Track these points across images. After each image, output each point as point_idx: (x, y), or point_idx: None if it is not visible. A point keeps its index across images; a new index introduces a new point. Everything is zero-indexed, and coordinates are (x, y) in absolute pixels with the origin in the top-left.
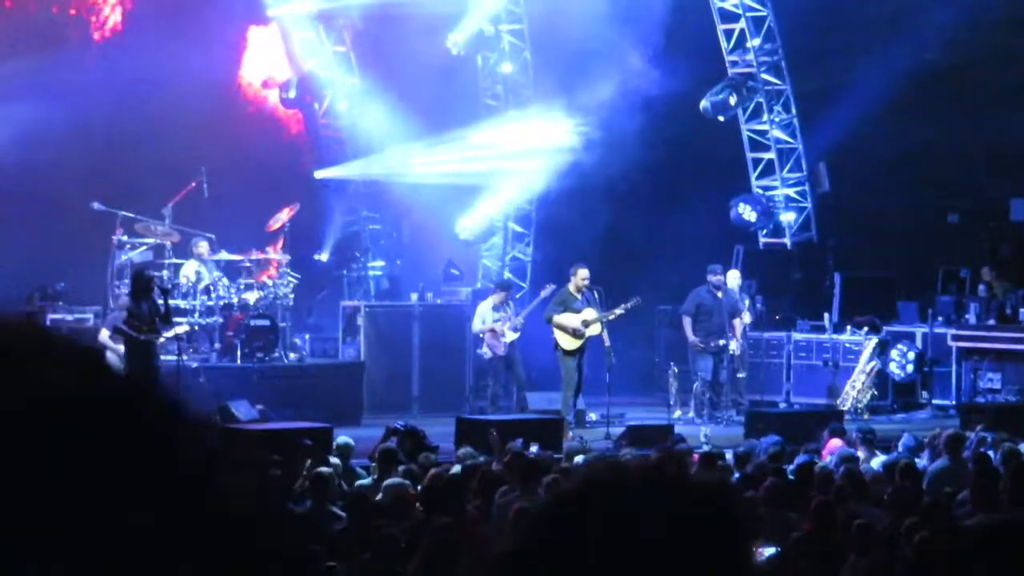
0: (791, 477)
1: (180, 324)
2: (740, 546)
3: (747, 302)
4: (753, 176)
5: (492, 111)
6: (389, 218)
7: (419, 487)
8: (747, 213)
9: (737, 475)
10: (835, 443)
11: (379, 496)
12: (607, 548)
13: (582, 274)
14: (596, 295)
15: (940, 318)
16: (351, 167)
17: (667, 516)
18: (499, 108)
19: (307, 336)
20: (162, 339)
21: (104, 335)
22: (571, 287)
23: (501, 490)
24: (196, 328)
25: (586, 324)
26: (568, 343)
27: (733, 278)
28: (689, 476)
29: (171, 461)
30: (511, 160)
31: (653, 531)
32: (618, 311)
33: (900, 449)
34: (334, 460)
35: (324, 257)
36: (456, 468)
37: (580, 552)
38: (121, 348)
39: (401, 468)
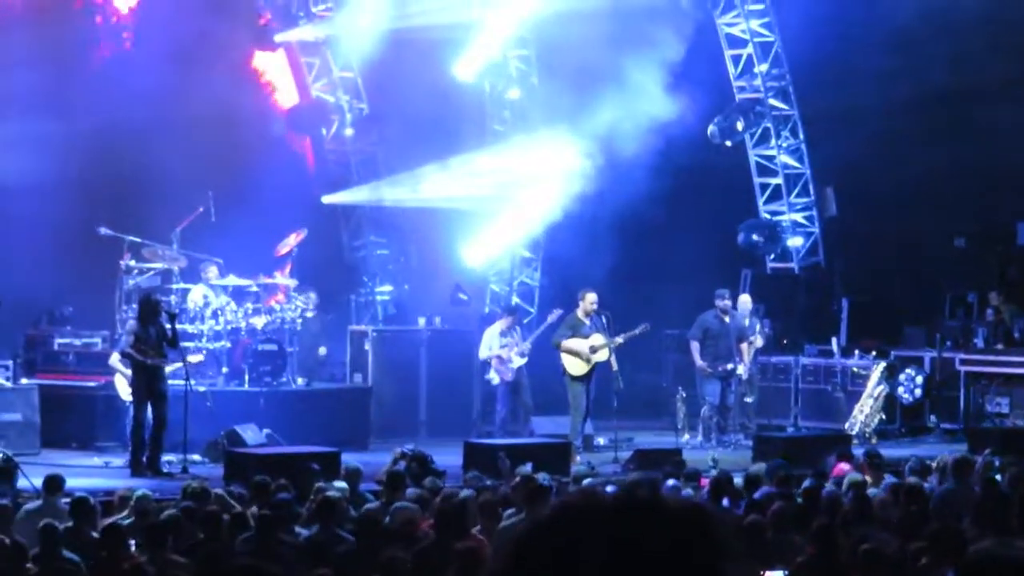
0: (799, 501)
1: (197, 353)
2: (718, 567)
3: (758, 327)
4: (760, 201)
5: (499, 136)
6: (396, 243)
7: (428, 511)
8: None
9: (744, 500)
10: (843, 467)
11: (387, 519)
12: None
13: (590, 299)
14: (604, 320)
15: (948, 342)
16: (358, 192)
17: (642, 540)
18: (506, 133)
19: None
20: (172, 367)
21: (115, 359)
22: (579, 312)
23: (506, 513)
24: (204, 353)
25: (594, 350)
26: (576, 368)
27: (745, 303)
28: (663, 500)
29: None
30: (518, 186)
31: (628, 554)
32: (626, 337)
33: (907, 473)
34: (341, 484)
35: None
36: (467, 492)
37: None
38: (130, 372)
39: (410, 492)
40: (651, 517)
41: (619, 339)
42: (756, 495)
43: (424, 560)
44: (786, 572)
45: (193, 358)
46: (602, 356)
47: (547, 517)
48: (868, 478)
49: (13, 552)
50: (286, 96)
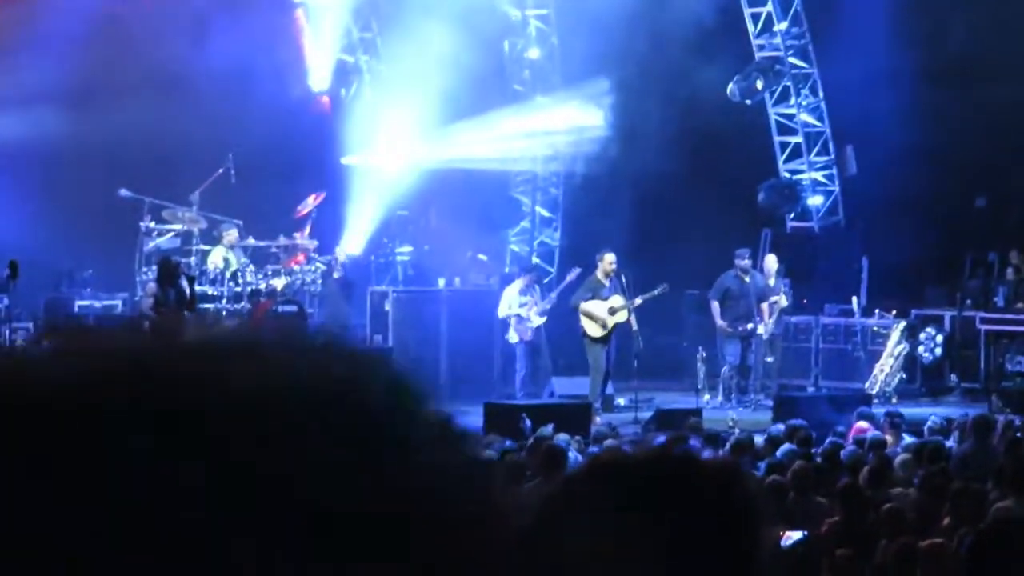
0: (819, 461)
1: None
2: (748, 527)
3: (783, 287)
4: (780, 160)
5: (519, 96)
6: (416, 204)
7: None
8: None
9: (765, 461)
10: (861, 426)
11: None
12: (613, 530)
13: (609, 259)
14: (623, 281)
15: (968, 302)
16: (378, 153)
17: (673, 497)
18: (526, 94)
19: None
20: None
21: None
22: (599, 273)
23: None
24: (224, 315)
25: (613, 311)
26: (595, 330)
27: (771, 263)
28: (695, 458)
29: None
30: (538, 146)
31: (659, 512)
32: (644, 298)
33: (927, 432)
34: None
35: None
36: (489, 453)
37: (587, 533)
38: None
39: None
40: (685, 473)
41: (637, 300)
42: (776, 455)
43: None
44: (806, 533)
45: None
46: (621, 318)
47: (577, 476)
48: (889, 438)
49: None
50: (313, 56)
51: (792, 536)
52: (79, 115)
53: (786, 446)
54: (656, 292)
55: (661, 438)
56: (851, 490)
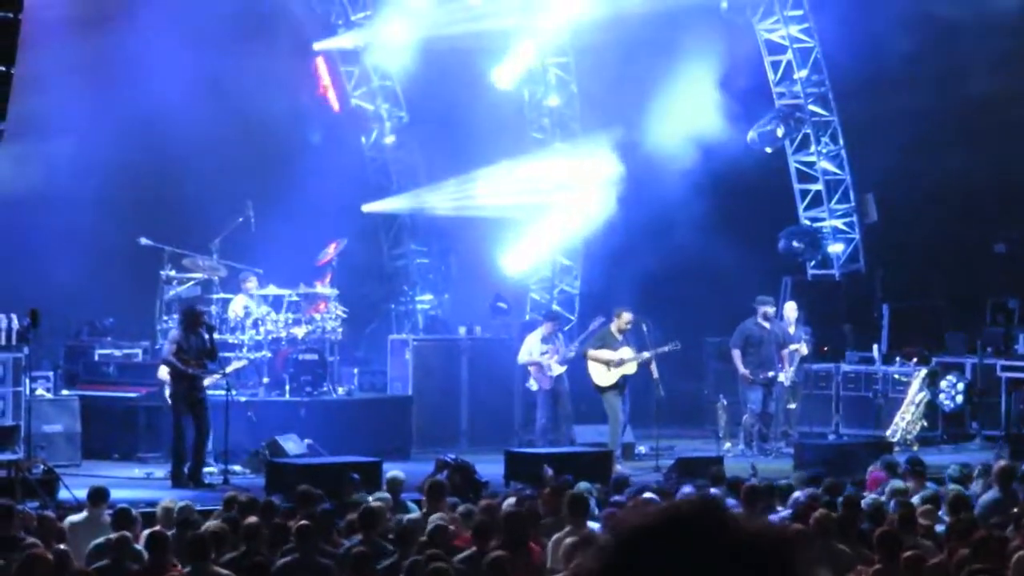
0: (839, 509)
1: (240, 359)
2: None
3: (804, 335)
4: (801, 207)
5: (539, 144)
6: (436, 252)
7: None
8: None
9: (789, 508)
10: (878, 476)
11: (428, 529)
12: None
13: (625, 318)
14: (644, 328)
15: (989, 349)
16: (398, 201)
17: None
18: (546, 141)
19: (355, 370)
20: (212, 378)
21: (163, 371)
22: (613, 328)
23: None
24: (246, 362)
25: (622, 361)
26: (602, 378)
27: (791, 310)
28: (746, 525)
29: None
30: (558, 194)
31: None
32: (653, 353)
33: (947, 481)
34: (383, 494)
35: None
36: (510, 501)
37: None
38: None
39: (459, 507)
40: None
41: (646, 354)
42: (791, 503)
43: (466, 571)
44: None
45: (237, 364)
46: (629, 369)
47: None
48: (911, 485)
49: (58, 563)
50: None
51: None
52: (97, 164)
53: (807, 490)
54: (667, 348)
55: (688, 488)
56: (890, 537)
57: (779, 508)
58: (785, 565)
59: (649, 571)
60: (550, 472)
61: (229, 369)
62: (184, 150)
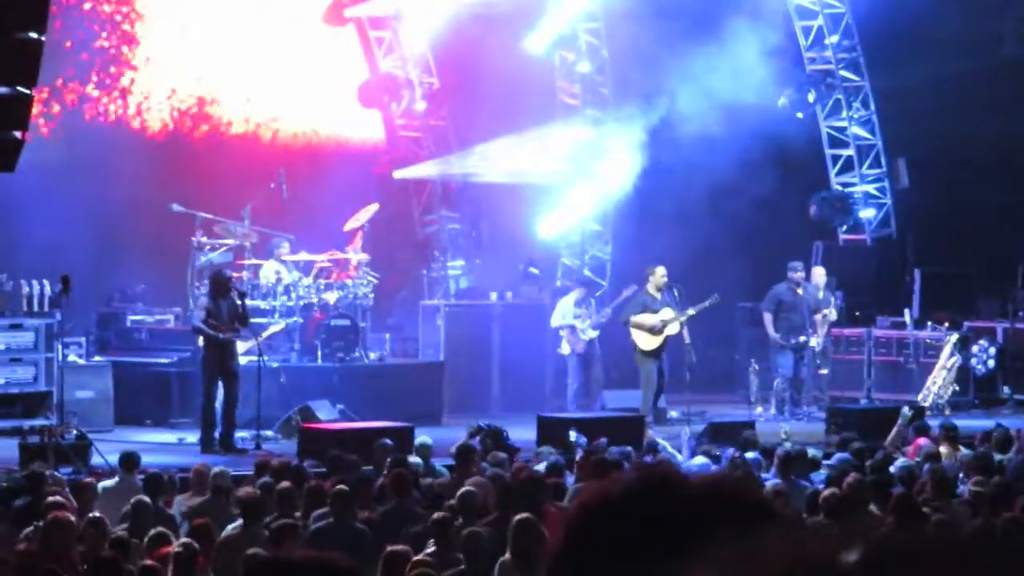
0: (871, 474)
1: (275, 323)
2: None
3: (832, 299)
4: (832, 172)
5: (570, 110)
6: (467, 218)
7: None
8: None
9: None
10: (921, 442)
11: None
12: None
13: (660, 272)
14: (676, 293)
15: (1021, 313)
16: (429, 167)
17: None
18: (577, 107)
19: (387, 336)
20: (246, 345)
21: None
22: (650, 287)
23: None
24: (283, 324)
25: (664, 323)
26: (646, 343)
27: (819, 275)
28: (699, 483)
29: None
30: (588, 159)
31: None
32: (697, 309)
33: (987, 444)
34: (415, 459)
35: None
36: (540, 466)
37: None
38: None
39: (488, 471)
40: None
41: (690, 311)
42: (824, 468)
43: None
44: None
45: (274, 328)
46: (673, 330)
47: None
48: (944, 450)
49: (93, 528)
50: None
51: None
52: (130, 130)
53: (839, 456)
54: (707, 303)
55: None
56: (905, 501)
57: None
58: (739, 514)
59: (607, 541)
60: (576, 437)
61: (265, 334)
62: (217, 116)
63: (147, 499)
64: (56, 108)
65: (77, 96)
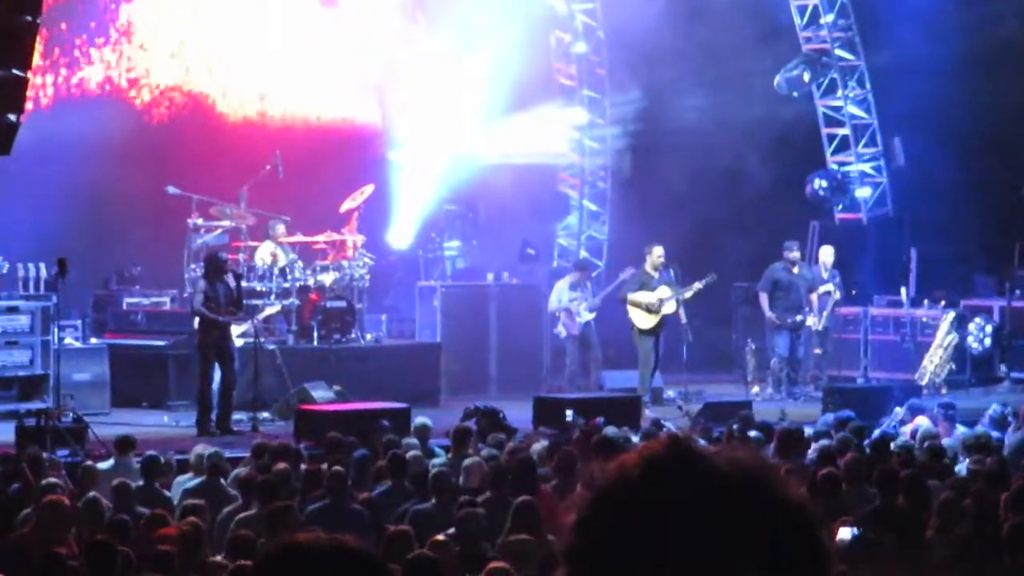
0: (868, 452)
1: (271, 304)
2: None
3: (837, 279)
4: (828, 152)
5: (566, 91)
6: (464, 199)
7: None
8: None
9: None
10: (919, 420)
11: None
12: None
13: (657, 252)
14: (672, 273)
15: (1017, 291)
16: (425, 148)
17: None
18: (573, 88)
19: (383, 317)
20: (242, 327)
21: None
22: (647, 266)
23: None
24: (280, 306)
25: (661, 301)
26: (643, 321)
27: (826, 254)
28: (719, 459)
29: None
30: (586, 139)
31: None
32: (694, 288)
33: (986, 422)
34: (411, 440)
35: (404, 244)
36: (537, 446)
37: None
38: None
39: (484, 451)
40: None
41: (687, 292)
42: (819, 446)
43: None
44: (858, 531)
45: (270, 310)
46: (669, 308)
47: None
48: (941, 429)
49: (88, 509)
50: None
51: (846, 534)
52: (126, 112)
53: (826, 440)
54: (705, 282)
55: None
56: (887, 474)
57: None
58: (761, 493)
59: (625, 522)
60: (572, 418)
61: (261, 316)
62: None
63: (128, 482)
64: (50, 91)
65: (74, 77)
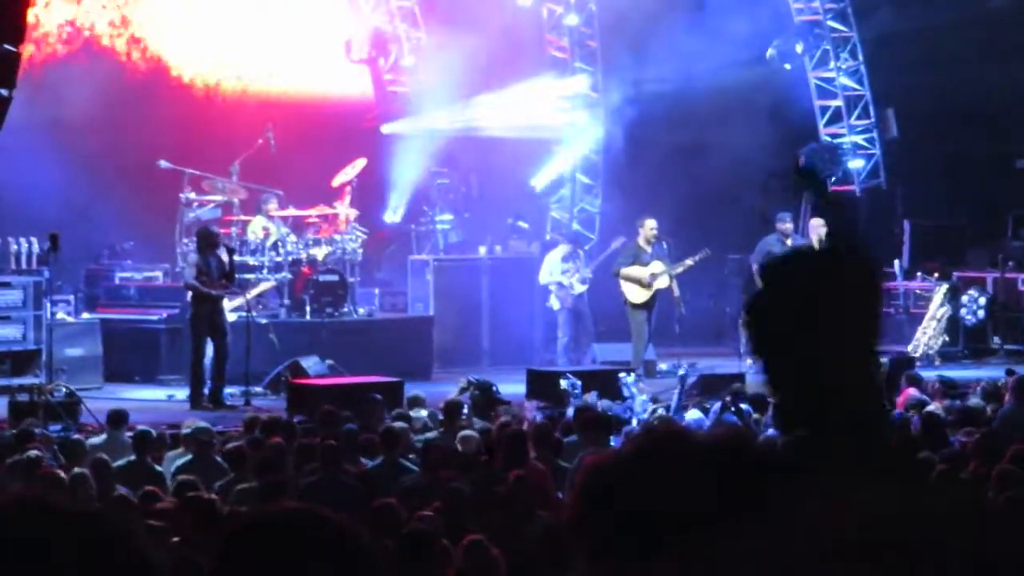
0: None
1: (264, 280)
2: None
3: None
4: (821, 123)
5: (558, 63)
6: (457, 172)
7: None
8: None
9: None
10: (910, 392)
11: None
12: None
13: (650, 225)
14: (665, 247)
15: (1010, 263)
16: (418, 122)
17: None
18: (565, 60)
19: (376, 291)
20: (236, 302)
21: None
22: (640, 239)
23: (567, 441)
24: (273, 280)
25: (654, 276)
26: (636, 295)
27: (818, 226)
28: (703, 439)
29: None
30: (578, 112)
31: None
32: (687, 264)
33: (978, 395)
34: (420, 414)
35: (397, 217)
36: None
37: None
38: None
39: (476, 425)
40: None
41: (679, 268)
42: None
43: (486, 488)
44: None
45: (264, 285)
46: (663, 283)
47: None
48: (937, 403)
49: (77, 484)
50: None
51: None
52: (118, 86)
53: None
54: (698, 257)
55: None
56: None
57: None
58: (740, 465)
59: (625, 502)
60: (569, 382)
61: (254, 292)
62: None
63: (106, 457)
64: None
65: (65, 49)
